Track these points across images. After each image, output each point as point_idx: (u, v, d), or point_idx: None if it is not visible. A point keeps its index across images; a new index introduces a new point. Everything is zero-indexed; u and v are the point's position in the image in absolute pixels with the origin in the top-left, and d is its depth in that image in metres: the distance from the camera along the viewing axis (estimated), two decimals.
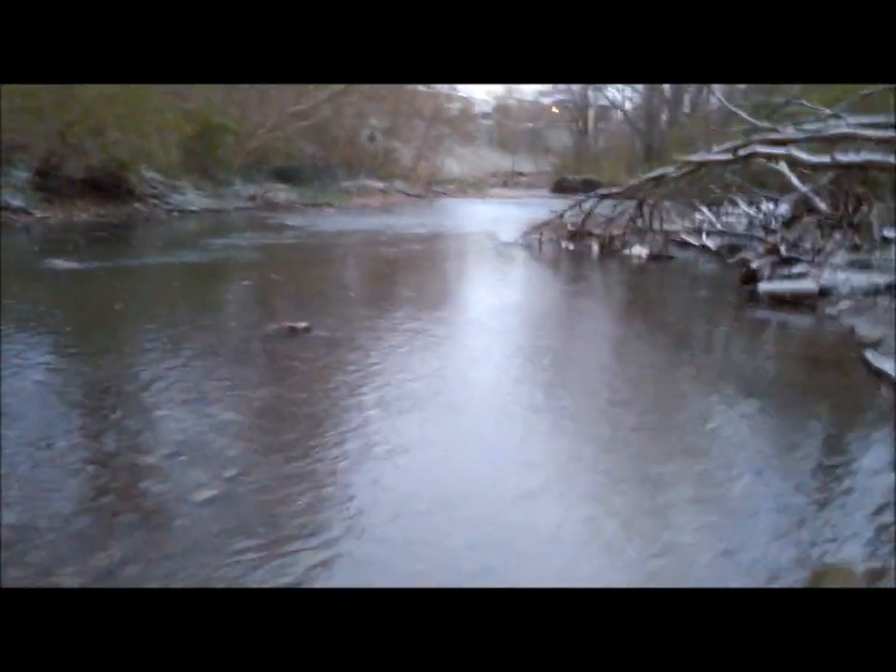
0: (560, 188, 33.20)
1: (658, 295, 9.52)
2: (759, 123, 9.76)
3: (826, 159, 8.12)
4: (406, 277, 9.81)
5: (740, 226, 12.48)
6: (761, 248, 9.63)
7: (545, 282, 10.23)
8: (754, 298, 8.06)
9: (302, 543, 2.74)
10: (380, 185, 25.69)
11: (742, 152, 9.24)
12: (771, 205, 12.07)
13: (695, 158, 10.62)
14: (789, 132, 8.81)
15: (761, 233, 11.11)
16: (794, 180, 10.56)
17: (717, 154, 10.02)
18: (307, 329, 5.84)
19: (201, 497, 3.07)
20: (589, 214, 12.88)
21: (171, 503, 3.03)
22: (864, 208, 9.58)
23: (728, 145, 9.72)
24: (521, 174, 41.49)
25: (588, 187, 27.47)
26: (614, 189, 12.68)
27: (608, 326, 7.21)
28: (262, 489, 3.17)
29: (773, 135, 8.87)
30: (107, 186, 14.78)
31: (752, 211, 12.91)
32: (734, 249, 11.46)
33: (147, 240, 12.63)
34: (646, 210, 11.86)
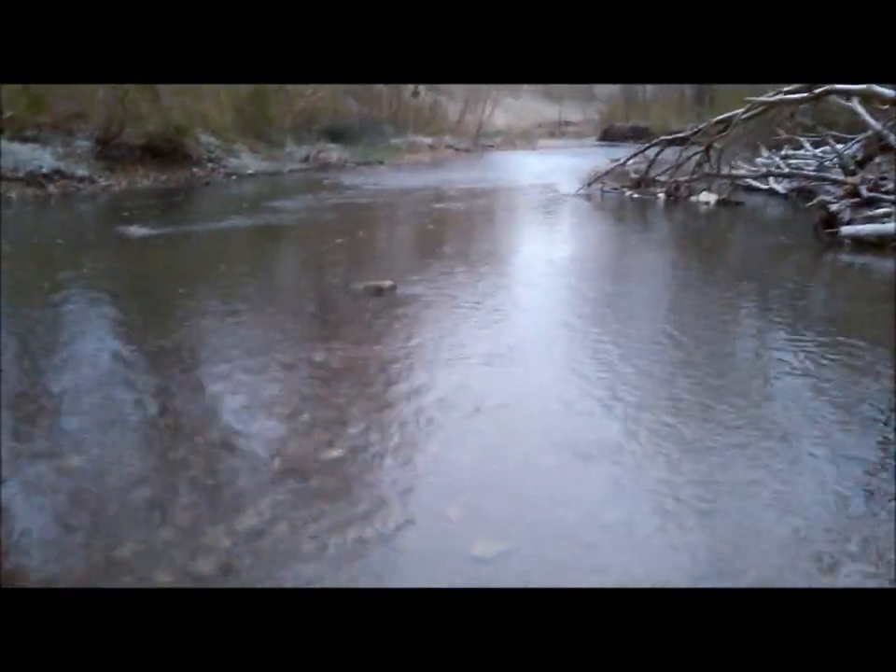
0: (608, 136, 32.63)
1: (735, 242, 9.32)
2: None
3: None
4: (478, 232, 9.79)
5: (808, 168, 12.07)
6: (839, 190, 9.32)
7: (615, 232, 10.09)
8: (835, 242, 7.84)
9: (434, 497, 2.81)
10: (428, 140, 25.46)
11: (817, 90, 8.91)
12: (839, 146, 11.64)
13: (766, 98, 10.27)
14: None
15: (834, 175, 10.73)
16: (868, 117, 10.17)
17: (790, 93, 9.69)
18: (392, 288, 5.88)
19: (331, 456, 3.15)
20: (653, 161, 12.60)
21: (303, 462, 3.11)
22: None
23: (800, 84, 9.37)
24: (568, 123, 40.70)
25: (637, 134, 26.97)
26: (679, 135, 12.35)
27: (691, 275, 7.10)
28: (384, 445, 3.24)
29: None
30: (166, 151, 14.91)
31: (820, 152, 12.47)
32: (803, 192, 11.12)
33: (211, 204, 12.75)
34: (713, 155, 11.51)
